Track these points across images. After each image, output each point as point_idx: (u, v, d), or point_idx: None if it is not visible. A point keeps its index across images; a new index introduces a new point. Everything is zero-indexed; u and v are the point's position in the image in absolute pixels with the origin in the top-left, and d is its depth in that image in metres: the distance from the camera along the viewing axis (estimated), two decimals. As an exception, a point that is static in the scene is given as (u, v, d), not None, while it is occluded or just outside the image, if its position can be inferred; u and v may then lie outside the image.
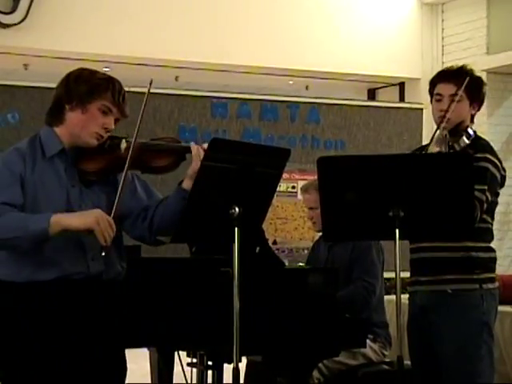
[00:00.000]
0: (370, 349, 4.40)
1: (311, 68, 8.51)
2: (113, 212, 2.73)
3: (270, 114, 6.75)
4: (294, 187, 6.71)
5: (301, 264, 5.98)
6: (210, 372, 3.86)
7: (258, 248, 3.81)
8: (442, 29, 8.90)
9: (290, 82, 9.17)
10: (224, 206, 2.80)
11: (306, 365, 3.74)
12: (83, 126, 2.84)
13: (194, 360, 3.91)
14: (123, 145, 2.86)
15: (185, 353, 4.07)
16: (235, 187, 2.83)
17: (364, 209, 3.03)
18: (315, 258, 4.70)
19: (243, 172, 2.82)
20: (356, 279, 4.40)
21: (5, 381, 2.82)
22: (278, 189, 3.17)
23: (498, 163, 3.41)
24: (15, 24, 7.37)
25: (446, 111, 3.36)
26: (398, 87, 9.16)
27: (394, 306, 3.04)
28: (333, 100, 7.08)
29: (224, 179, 2.82)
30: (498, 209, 3.53)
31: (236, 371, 2.80)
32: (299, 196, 6.66)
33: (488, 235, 3.43)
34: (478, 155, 3.32)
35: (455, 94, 3.38)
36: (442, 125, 3.35)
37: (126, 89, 2.94)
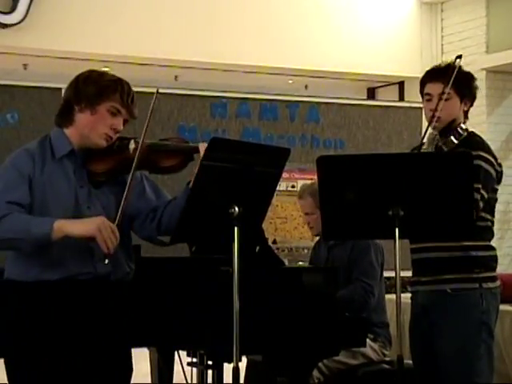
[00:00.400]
0: (370, 348, 4.40)
1: (311, 67, 8.52)
2: (117, 219, 2.74)
3: (269, 113, 6.75)
4: (293, 186, 6.72)
5: (300, 263, 5.98)
6: (210, 371, 3.86)
7: (257, 247, 3.81)
8: (442, 28, 8.91)
9: (290, 82, 9.17)
10: (224, 206, 2.80)
11: (306, 364, 3.74)
12: (92, 127, 2.85)
13: (194, 359, 3.91)
14: (132, 145, 2.88)
15: (185, 352, 4.07)
16: (235, 187, 2.83)
17: (364, 208, 3.03)
18: (316, 258, 4.71)
19: (243, 171, 2.82)
20: (354, 280, 4.41)
21: (11, 380, 2.83)
22: (277, 188, 3.17)
23: (491, 160, 3.36)
24: (15, 24, 7.37)
25: (435, 110, 3.34)
26: (397, 86, 9.17)
27: (394, 305, 3.04)
28: (332, 99, 7.09)
29: (224, 179, 2.82)
30: (498, 208, 3.52)
31: (236, 371, 2.80)
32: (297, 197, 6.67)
33: (488, 233, 3.42)
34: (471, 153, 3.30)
35: (443, 93, 3.36)
36: (432, 125, 3.34)
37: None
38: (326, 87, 9.03)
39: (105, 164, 2.87)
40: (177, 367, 4.23)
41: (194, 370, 3.98)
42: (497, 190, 3.44)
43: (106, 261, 2.72)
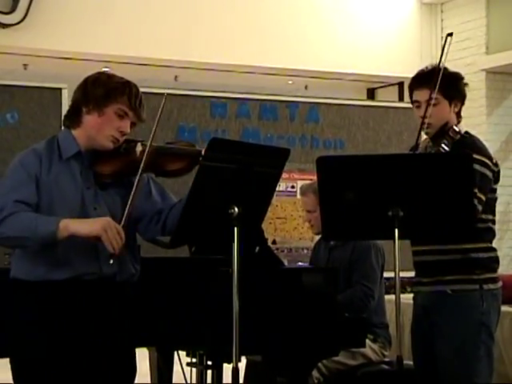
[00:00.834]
0: (370, 349, 4.40)
1: (310, 68, 8.52)
2: (123, 220, 2.75)
3: (269, 113, 6.75)
4: (293, 187, 6.72)
5: (300, 263, 5.98)
6: (209, 372, 3.87)
7: (257, 248, 3.81)
8: (442, 28, 8.91)
9: (290, 82, 9.18)
10: (223, 206, 2.80)
11: (306, 364, 3.74)
12: (99, 128, 2.86)
13: (194, 360, 3.91)
14: (139, 148, 2.89)
15: (184, 352, 4.07)
16: (234, 187, 2.83)
17: (363, 208, 3.03)
18: (316, 259, 4.71)
19: (242, 172, 2.82)
20: (355, 283, 4.40)
21: (16, 379, 2.84)
22: (277, 188, 3.17)
23: (486, 161, 3.34)
24: (15, 24, 7.37)
25: (424, 117, 3.33)
26: (397, 87, 9.16)
27: (394, 305, 3.04)
28: (332, 100, 7.08)
29: (223, 179, 2.82)
30: (498, 208, 3.52)
31: (235, 371, 2.80)
32: (299, 196, 6.66)
33: (488, 235, 3.41)
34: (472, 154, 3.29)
35: (430, 99, 3.33)
36: (423, 131, 3.33)
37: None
38: (326, 88, 9.04)
39: (111, 166, 2.88)
40: (176, 367, 4.24)
41: (194, 370, 3.98)
42: (495, 189, 3.43)
43: (111, 261, 2.72)
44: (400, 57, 8.79)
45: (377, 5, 8.73)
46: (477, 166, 3.27)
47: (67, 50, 7.62)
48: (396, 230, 2.95)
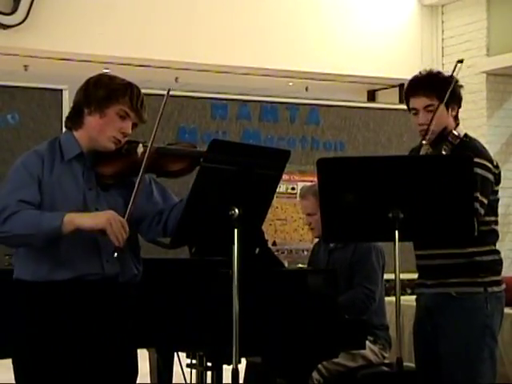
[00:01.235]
0: (370, 351, 4.40)
1: (311, 69, 8.52)
2: (127, 214, 2.75)
3: (269, 115, 6.75)
4: (293, 188, 6.72)
5: (300, 265, 5.98)
6: (209, 373, 3.87)
7: (257, 249, 3.81)
8: (442, 30, 8.91)
9: (290, 84, 9.18)
10: (224, 208, 2.80)
11: (306, 366, 3.74)
12: (101, 129, 2.86)
13: (194, 361, 3.91)
14: (140, 149, 2.90)
15: (184, 354, 4.07)
16: (235, 188, 2.84)
17: (363, 210, 3.04)
18: (315, 261, 4.70)
19: (243, 173, 2.82)
20: (356, 285, 4.40)
21: (18, 380, 2.84)
22: (277, 190, 3.18)
23: (487, 164, 3.34)
24: (15, 25, 7.37)
25: (429, 125, 3.33)
26: (397, 89, 9.16)
27: (394, 307, 3.04)
28: (332, 101, 7.08)
29: (224, 180, 2.82)
30: (498, 210, 3.52)
31: (235, 372, 2.80)
32: (299, 197, 6.66)
33: (491, 237, 3.41)
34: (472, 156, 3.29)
35: (428, 106, 3.35)
36: (427, 137, 3.33)
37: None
38: (327, 89, 9.03)
39: (113, 167, 2.88)
40: (176, 368, 4.24)
41: (194, 371, 3.98)
42: (497, 191, 3.44)
43: (115, 254, 2.72)
44: (400, 59, 8.79)
45: (377, 7, 8.74)
46: (478, 170, 3.27)
47: (68, 51, 7.62)
48: (396, 232, 2.95)
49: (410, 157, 3.49)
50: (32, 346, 2.79)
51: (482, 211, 3.27)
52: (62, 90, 6.15)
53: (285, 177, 6.36)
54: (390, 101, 8.58)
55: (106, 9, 7.67)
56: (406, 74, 9.04)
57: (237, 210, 2.80)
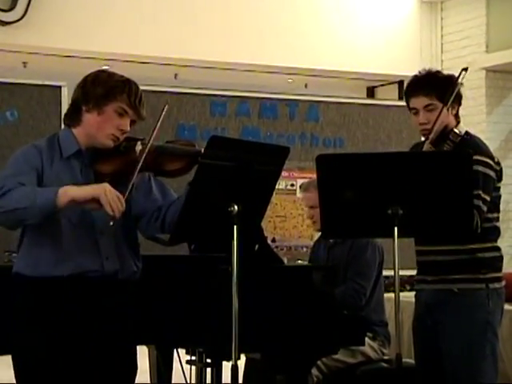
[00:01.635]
0: (369, 347, 4.40)
1: (310, 66, 8.51)
2: (126, 194, 2.72)
3: (269, 112, 6.75)
4: (293, 185, 6.71)
5: (300, 262, 5.98)
6: (208, 369, 3.87)
7: (256, 246, 3.81)
8: (441, 27, 8.90)
9: (289, 80, 9.17)
10: (223, 204, 2.80)
11: (305, 362, 3.74)
12: (99, 127, 2.86)
13: (193, 357, 3.91)
14: (139, 147, 2.90)
15: (184, 350, 4.07)
16: (234, 185, 2.83)
17: (363, 206, 3.04)
18: (316, 258, 4.70)
19: (242, 170, 2.82)
20: (347, 280, 4.41)
21: (18, 376, 2.84)
22: (276, 187, 3.17)
23: (488, 161, 3.35)
24: (14, 21, 7.37)
25: (434, 125, 3.33)
26: (396, 85, 9.15)
27: (393, 303, 3.04)
28: (332, 98, 7.07)
29: (223, 177, 2.82)
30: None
31: (235, 369, 2.80)
32: (298, 194, 6.66)
33: (493, 234, 3.42)
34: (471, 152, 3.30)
35: (429, 105, 3.36)
36: (431, 136, 3.33)
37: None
38: (326, 86, 9.03)
39: (111, 165, 2.88)
40: (176, 365, 4.24)
41: (193, 367, 3.98)
42: (499, 187, 3.44)
43: (111, 223, 2.70)
44: (400, 55, 8.78)
45: (377, 3, 8.73)
46: (479, 167, 3.28)
47: (67, 47, 7.62)
48: (395, 229, 2.96)
49: (409, 153, 3.49)
50: (31, 342, 2.80)
51: (485, 208, 3.28)
52: (61, 87, 6.14)
53: (284, 173, 6.36)
54: (389, 97, 8.58)
55: (104, 5, 7.66)
56: (406, 70, 9.10)
57: (236, 207, 2.80)
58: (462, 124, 3.47)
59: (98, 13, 7.61)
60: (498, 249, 3.45)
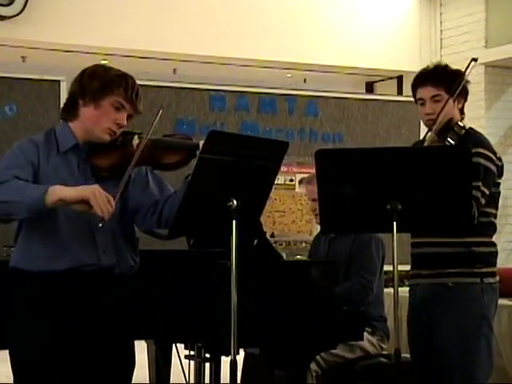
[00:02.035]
0: (368, 342, 4.41)
1: (309, 61, 8.51)
2: (117, 196, 2.72)
3: (268, 106, 6.75)
4: (292, 180, 6.72)
5: (299, 257, 5.99)
6: (207, 364, 3.87)
7: (255, 241, 3.81)
8: (441, 22, 8.89)
9: (288, 75, 9.16)
10: (222, 199, 2.80)
11: (304, 358, 3.75)
12: (96, 121, 2.86)
13: (192, 352, 3.92)
14: (135, 141, 2.89)
15: (182, 345, 4.07)
16: (233, 180, 2.83)
17: (362, 202, 3.04)
18: (316, 252, 4.70)
19: (241, 165, 2.82)
20: (353, 275, 4.41)
21: (15, 371, 2.84)
22: (275, 182, 3.17)
23: (491, 155, 3.37)
24: (13, 16, 7.35)
25: (438, 115, 3.34)
26: (396, 80, 9.15)
27: (392, 298, 3.05)
28: (331, 93, 7.08)
29: (222, 172, 2.82)
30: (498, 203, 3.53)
31: (234, 364, 2.80)
32: (297, 189, 6.67)
33: (490, 229, 3.43)
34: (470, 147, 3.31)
35: (436, 96, 3.37)
36: (435, 127, 3.34)
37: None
38: (325, 81, 9.02)
39: (108, 159, 2.88)
40: (174, 360, 4.24)
41: (192, 362, 3.99)
42: (499, 183, 3.45)
43: (100, 224, 2.68)
44: (399, 50, 8.78)
45: (376, -2, 8.73)
46: (481, 160, 3.30)
47: (66, 42, 7.61)
48: (394, 224, 2.96)
49: (408, 148, 3.49)
50: (28, 336, 2.79)
51: (483, 201, 3.29)
52: (59, 81, 6.14)
53: (283, 168, 6.36)
54: (388, 92, 8.58)
55: (103, 0, 7.65)
56: (405, 65, 9.10)
57: (235, 202, 2.80)
58: (466, 120, 3.49)
59: (97, 7, 7.60)
60: (494, 244, 3.46)
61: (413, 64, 8.76)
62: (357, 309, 4.10)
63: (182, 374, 4.19)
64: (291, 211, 6.72)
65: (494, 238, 3.49)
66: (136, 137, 2.91)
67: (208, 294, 3.49)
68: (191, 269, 3.65)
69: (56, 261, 2.78)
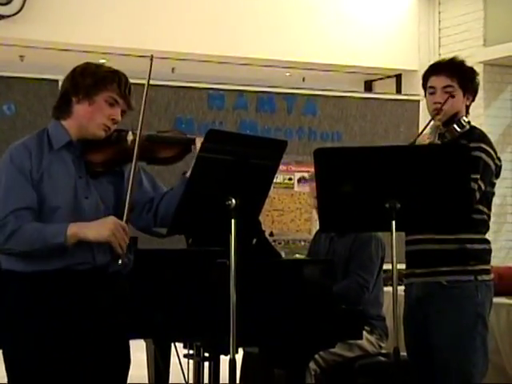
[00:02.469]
0: (367, 341, 4.41)
1: (308, 60, 8.51)
2: (125, 216, 2.75)
3: (266, 105, 6.74)
4: (290, 179, 6.71)
5: (297, 255, 5.99)
6: (206, 363, 3.87)
7: (254, 240, 3.81)
8: (439, 21, 8.89)
9: (287, 74, 9.16)
10: (220, 198, 2.80)
11: (303, 356, 3.74)
12: (90, 117, 2.86)
13: (191, 351, 3.91)
14: (130, 137, 2.90)
15: (181, 344, 4.07)
16: (232, 179, 2.83)
17: (360, 200, 3.04)
18: (316, 250, 4.70)
19: (240, 163, 2.81)
20: (351, 274, 4.41)
21: (9, 371, 2.83)
22: (274, 181, 3.17)
23: (492, 153, 3.41)
24: (11, 15, 7.35)
25: (443, 104, 3.37)
26: (394, 79, 9.16)
27: (391, 297, 3.05)
28: (330, 92, 7.07)
29: (220, 171, 2.82)
30: (494, 201, 3.53)
31: (233, 363, 2.80)
32: (296, 188, 6.66)
33: (483, 226, 3.43)
34: (473, 145, 3.32)
35: (448, 86, 3.41)
36: (438, 117, 3.36)
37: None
38: (324, 80, 9.02)
39: (103, 155, 2.88)
40: (173, 359, 4.24)
41: (191, 361, 3.99)
42: (494, 183, 3.46)
43: (120, 261, 2.74)
44: (398, 49, 8.78)
45: (374, -3, 8.73)
46: (483, 155, 3.34)
47: (64, 41, 7.61)
48: (393, 222, 2.95)
49: (406, 147, 3.49)
50: (22, 337, 2.78)
51: (478, 196, 3.29)
52: (58, 81, 6.10)
53: (282, 167, 6.36)
54: (387, 91, 8.58)
55: (102, -1, 7.65)
56: (403, 64, 9.10)
57: (234, 201, 2.79)
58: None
59: (95, 6, 7.59)
60: (487, 241, 3.47)
61: (411, 63, 8.77)
62: (356, 308, 4.10)
63: (181, 373, 4.19)
64: (290, 210, 6.72)
65: (493, 237, 3.49)
66: (130, 133, 2.91)
67: (207, 292, 3.49)
68: (190, 268, 3.65)
69: (51, 261, 2.77)
